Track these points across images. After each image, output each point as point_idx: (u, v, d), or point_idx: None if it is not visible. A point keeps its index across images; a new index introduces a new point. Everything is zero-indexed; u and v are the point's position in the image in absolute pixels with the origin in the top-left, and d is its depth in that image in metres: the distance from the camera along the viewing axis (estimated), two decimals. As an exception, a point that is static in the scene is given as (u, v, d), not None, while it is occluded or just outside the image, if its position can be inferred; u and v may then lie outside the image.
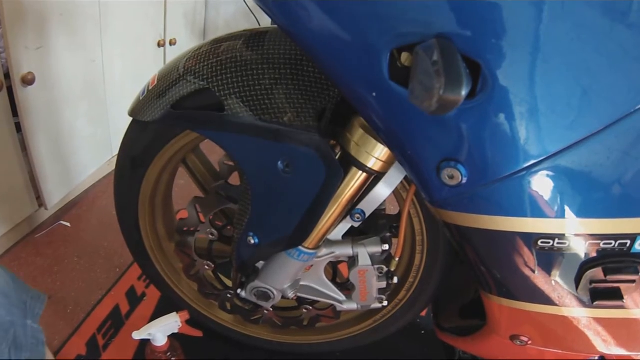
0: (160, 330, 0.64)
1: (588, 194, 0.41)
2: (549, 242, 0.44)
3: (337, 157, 0.51)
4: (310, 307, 0.76)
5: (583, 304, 0.48)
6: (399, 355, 0.93)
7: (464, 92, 0.32)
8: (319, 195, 0.52)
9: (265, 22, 1.85)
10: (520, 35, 0.34)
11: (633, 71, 0.35)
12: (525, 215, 0.43)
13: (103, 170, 1.47)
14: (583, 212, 0.42)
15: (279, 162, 0.51)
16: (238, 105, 0.51)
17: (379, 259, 0.65)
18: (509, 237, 0.45)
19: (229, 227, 0.74)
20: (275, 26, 0.53)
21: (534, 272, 0.47)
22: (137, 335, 0.62)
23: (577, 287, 0.47)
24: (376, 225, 0.66)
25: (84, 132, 1.28)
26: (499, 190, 0.42)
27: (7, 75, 0.96)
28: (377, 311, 0.77)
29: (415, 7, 0.35)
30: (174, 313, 0.68)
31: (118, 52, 1.35)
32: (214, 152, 0.71)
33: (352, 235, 0.65)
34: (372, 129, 0.46)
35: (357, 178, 0.52)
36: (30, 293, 0.68)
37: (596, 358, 0.55)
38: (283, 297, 0.67)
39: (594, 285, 0.46)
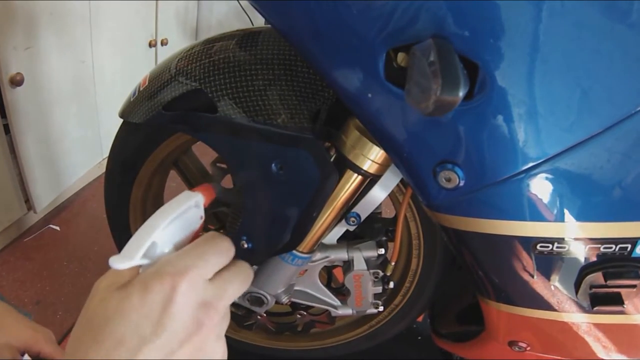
0: (165, 232, 0.29)
1: (588, 197, 0.40)
2: (548, 246, 0.44)
3: (331, 160, 0.50)
4: (305, 313, 0.75)
5: (583, 309, 0.48)
6: (395, 361, 0.92)
7: (461, 94, 0.31)
8: (313, 198, 0.51)
9: (259, 21, 1.84)
10: (519, 35, 0.34)
11: (634, 72, 0.35)
12: (523, 219, 0.42)
13: (93, 172, 1.45)
14: (583, 215, 0.41)
15: (273, 165, 0.50)
16: (231, 107, 0.50)
17: (374, 263, 0.64)
18: (507, 241, 0.44)
19: (221, 231, 0.72)
20: (269, 26, 0.52)
21: (532, 276, 0.46)
22: (126, 262, 0.27)
23: (576, 292, 0.46)
24: (372, 229, 0.65)
25: (74, 134, 1.27)
26: (497, 193, 0.41)
27: (-5, 76, 0.95)
28: (372, 317, 0.76)
29: (412, 7, 0.34)
30: (186, 192, 0.32)
31: (108, 53, 1.33)
32: (206, 154, 0.70)
33: (347, 239, 0.64)
34: (367, 130, 0.45)
35: (352, 181, 0.52)
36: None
37: (595, 364, 0.55)
38: (277, 303, 0.66)
39: (594, 290, 0.45)
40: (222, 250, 0.29)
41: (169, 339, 0.25)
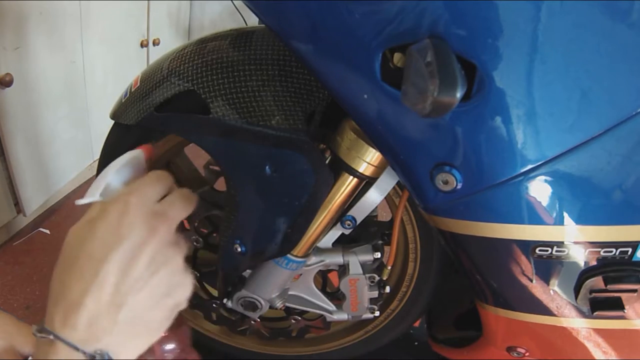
0: (118, 175, 0.36)
1: (588, 200, 0.40)
2: (547, 250, 0.43)
3: (327, 162, 0.50)
4: (299, 318, 0.75)
5: (582, 314, 0.47)
6: (391, 366, 0.91)
7: (458, 94, 0.30)
8: (308, 201, 0.50)
9: (252, 21, 1.83)
10: (518, 35, 0.33)
11: (635, 72, 0.34)
12: (522, 222, 0.42)
13: (84, 175, 1.43)
14: (583, 218, 0.41)
15: (267, 167, 0.50)
16: (224, 108, 0.49)
17: (370, 267, 0.63)
18: (506, 245, 0.44)
19: (214, 235, 0.72)
20: (263, 25, 0.51)
21: (531, 281, 0.46)
22: (89, 199, 0.34)
23: (576, 297, 0.45)
24: (368, 233, 0.65)
25: (64, 136, 1.25)
26: (495, 196, 0.40)
27: (-16, 77, 0.93)
28: (368, 322, 0.75)
29: (409, 6, 0.34)
30: (127, 153, 0.40)
31: (99, 53, 1.32)
32: (199, 157, 0.69)
33: (343, 243, 0.64)
34: (363, 132, 0.44)
35: (347, 183, 0.51)
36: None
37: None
38: (271, 307, 0.65)
39: (593, 294, 0.45)
40: (159, 176, 0.35)
41: (129, 244, 0.29)
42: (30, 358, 0.43)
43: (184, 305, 0.32)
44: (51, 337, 0.28)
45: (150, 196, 0.33)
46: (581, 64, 0.34)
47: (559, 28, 0.33)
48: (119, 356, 0.29)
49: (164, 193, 0.34)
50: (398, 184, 0.56)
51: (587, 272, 0.44)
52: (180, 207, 0.34)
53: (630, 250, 0.41)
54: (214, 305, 0.75)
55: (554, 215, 0.41)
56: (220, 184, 0.66)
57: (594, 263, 0.43)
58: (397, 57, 0.36)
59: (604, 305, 0.45)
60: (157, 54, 1.63)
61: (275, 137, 0.48)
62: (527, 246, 0.43)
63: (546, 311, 0.48)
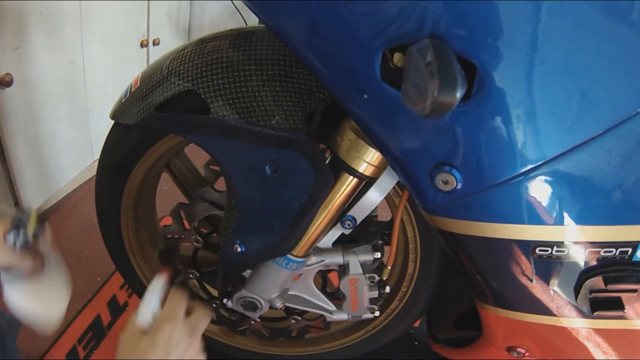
0: (156, 300, 0.53)
1: (588, 200, 0.40)
2: (547, 250, 0.43)
3: (327, 162, 0.49)
4: (299, 318, 0.74)
5: (582, 314, 0.47)
6: (391, 367, 0.91)
7: (458, 94, 0.30)
8: (308, 201, 0.50)
9: (252, 21, 1.83)
10: (518, 35, 0.33)
11: (634, 73, 0.34)
12: (522, 222, 0.42)
13: (84, 175, 1.43)
14: (583, 218, 0.41)
15: (267, 167, 0.50)
16: (224, 108, 0.49)
17: (370, 267, 0.63)
18: (506, 245, 0.44)
19: (214, 235, 0.71)
20: (263, 25, 0.51)
21: (531, 281, 0.46)
22: (145, 320, 0.50)
23: (576, 297, 0.45)
24: (368, 233, 0.65)
25: (64, 136, 1.25)
26: (495, 196, 0.41)
27: (-16, 77, 0.93)
28: (368, 322, 0.75)
29: (409, 6, 0.34)
30: (155, 279, 0.56)
31: (99, 53, 1.32)
32: (199, 157, 0.69)
33: (343, 243, 0.63)
34: (363, 132, 0.44)
35: (347, 183, 0.51)
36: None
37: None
38: (271, 307, 0.65)
39: (593, 294, 0.45)
40: (180, 297, 0.51)
41: (178, 353, 0.46)
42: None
43: None
44: None
45: (183, 316, 0.49)
46: (581, 64, 0.34)
47: (559, 28, 0.33)
48: None
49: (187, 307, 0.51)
50: (398, 184, 0.56)
51: (587, 272, 0.44)
52: (204, 323, 0.51)
53: (630, 250, 0.41)
54: (214, 305, 0.75)
55: (554, 215, 0.41)
56: (220, 184, 0.66)
57: (594, 263, 0.43)
58: (397, 57, 0.36)
59: (604, 305, 0.45)
60: (157, 54, 1.63)
61: (275, 137, 0.48)
62: (527, 246, 0.43)
63: (546, 311, 0.48)
